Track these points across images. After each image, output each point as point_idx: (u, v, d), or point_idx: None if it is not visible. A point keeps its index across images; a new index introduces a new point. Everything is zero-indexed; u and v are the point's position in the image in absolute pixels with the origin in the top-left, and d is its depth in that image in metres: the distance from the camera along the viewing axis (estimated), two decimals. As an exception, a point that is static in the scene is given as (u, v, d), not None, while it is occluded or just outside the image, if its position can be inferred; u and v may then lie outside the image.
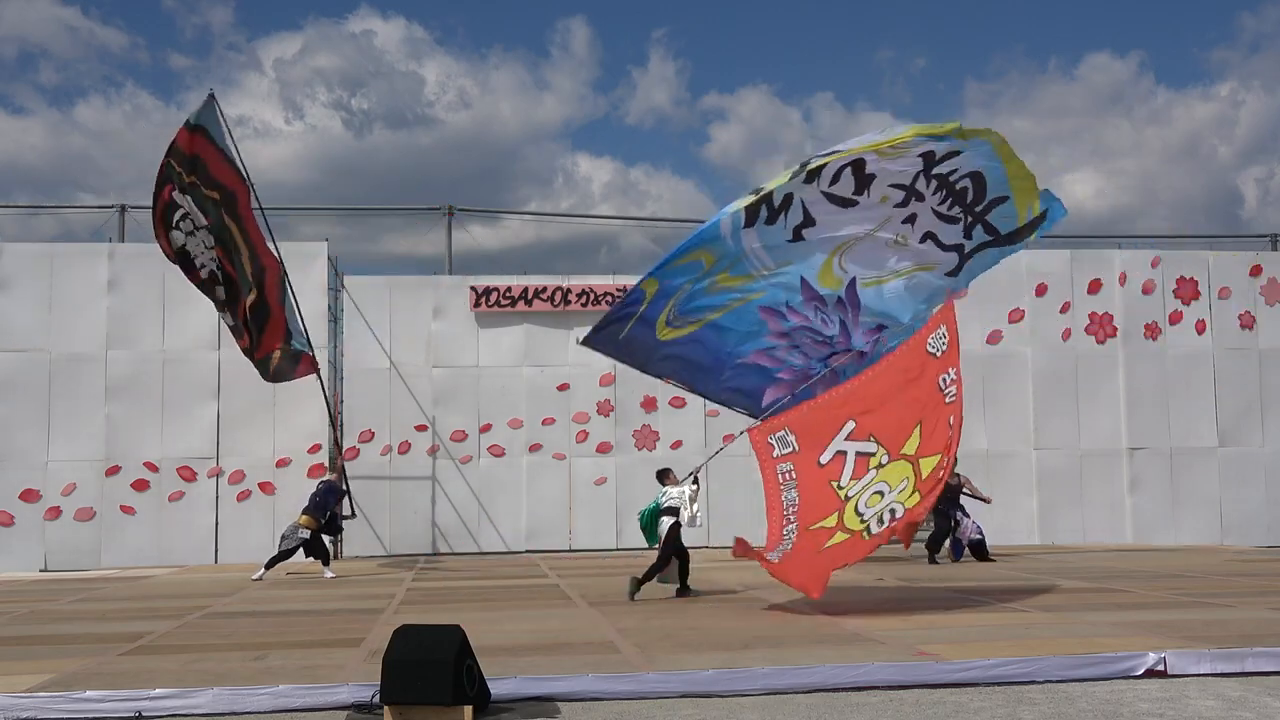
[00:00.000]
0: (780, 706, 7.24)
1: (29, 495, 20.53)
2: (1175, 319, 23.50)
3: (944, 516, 18.13)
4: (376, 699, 7.00)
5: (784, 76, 77.62)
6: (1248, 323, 23.65)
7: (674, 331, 14.61)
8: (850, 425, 12.70)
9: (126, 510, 20.73)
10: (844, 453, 12.61)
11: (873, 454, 12.39)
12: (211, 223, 17.09)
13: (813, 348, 15.17)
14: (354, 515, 18.76)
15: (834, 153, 13.63)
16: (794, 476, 12.69)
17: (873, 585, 14.43)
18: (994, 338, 23.05)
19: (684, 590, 13.33)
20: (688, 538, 13.96)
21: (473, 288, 22.39)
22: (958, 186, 13.82)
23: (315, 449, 21.29)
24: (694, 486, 13.63)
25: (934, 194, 13.88)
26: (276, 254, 18.06)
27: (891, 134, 13.59)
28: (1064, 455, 22.92)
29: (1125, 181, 75.39)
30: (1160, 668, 7.98)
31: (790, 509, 12.56)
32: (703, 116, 78.69)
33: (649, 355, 15.02)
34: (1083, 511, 22.77)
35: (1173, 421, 23.13)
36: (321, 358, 21.29)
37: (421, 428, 21.99)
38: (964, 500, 18.37)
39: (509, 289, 22.40)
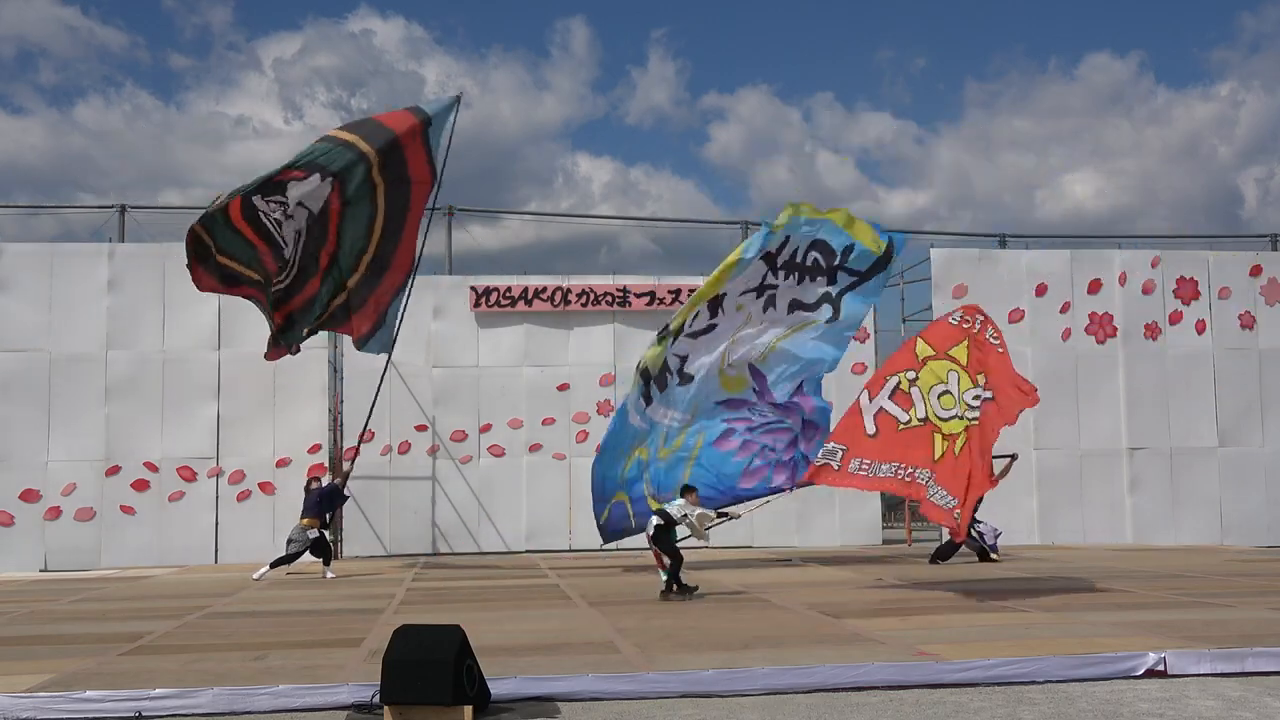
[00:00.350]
0: (780, 706, 7.23)
1: (29, 495, 20.51)
2: (1175, 319, 23.50)
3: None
4: (376, 699, 6.97)
5: (784, 76, 77.64)
6: (1248, 323, 23.64)
7: (655, 504, 15.88)
8: (863, 396, 13.43)
9: (126, 510, 20.72)
10: (880, 409, 13.19)
11: (897, 383, 13.17)
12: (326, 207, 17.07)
13: (776, 431, 17.03)
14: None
15: (681, 311, 16.09)
16: (868, 462, 13.03)
17: (873, 585, 14.36)
18: (994, 338, 22.91)
19: (668, 589, 13.14)
20: (684, 540, 13.81)
21: (473, 288, 22.41)
22: (807, 263, 15.97)
23: (315, 449, 21.27)
24: (719, 520, 14.20)
25: (786, 279, 15.99)
26: (416, 256, 18.17)
27: (722, 263, 15.84)
28: (1064, 455, 22.91)
29: (1125, 181, 75.40)
30: (1160, 668, 7.96)
31: (903, 472, 12.84)
32: (702, 116, 78.71)
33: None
34: (1083, 511, 22.75)
35: (1173, 422, 23.11)
36: (322, 357, 21.52)
37: (421, 428, 21.98)
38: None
39: (509, 289, 22.41)
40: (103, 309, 21.14)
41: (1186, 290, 23.58)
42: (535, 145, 76.53)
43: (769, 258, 15.88)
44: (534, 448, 22.22)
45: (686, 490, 13.82)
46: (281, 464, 21.10)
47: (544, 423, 22.24)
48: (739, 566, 17.70)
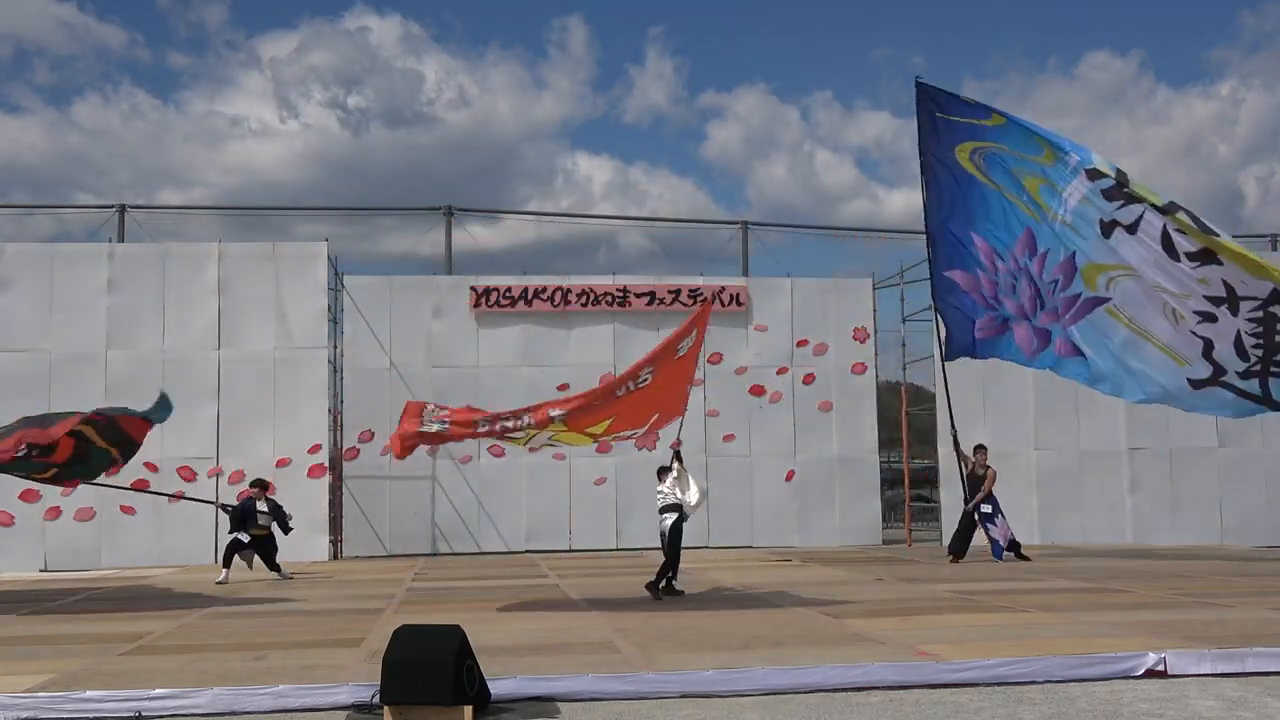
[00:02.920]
0: (780, 706, 7.21)
1: (29, 495, 20.39)
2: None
3: (968, 516, 18.17)
4: (376, 699, 6.96)
5: (782, 75, 77.63)
6: None
7: (968, 163, 15.13)
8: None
9: (126, 510, 20.65)
10: None
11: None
12: None
13: (1025, 289, 15.54)
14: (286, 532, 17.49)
15: (1208, 233, 14.10)
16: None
17: (873, 584, 14.35)
18: (994, 338, 22.86)
19: (653, 587, 13.11)
20: (685, 539, 13.71)
21: (472, 288, 22.44)
22: (1277, 338, 14.14)
23: (315, 449, 21.22)
24: (675, 469, 13.32)
25: (1251, 322, 14.20)
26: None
27: (1258, 259, 14.03)
28: (1064, 455, 22.89)
29: (1125, 181, 75.11)
30: (1160, 668, 7.95)
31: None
32: (700, 115, 78.74)
33: (938, 153, 15.77)
34: (1083, 512, 22.72)
35: (1172, 421, 22.77)
36: (321, 357, 21.49)
37: None
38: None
39: (509, 289, 22.45)
40: (103, 309, 21.12)
41: (1187, 290, 23.35)
42: (533, 144, 76.61)
43: (1274, 295, 14.30)
44: (533, 448, 22.03)
45: (664, 471, 13.54)
46: (282, 464, 21.05)
47: (544, 423, 22.10)
48: (739, 567, 17.66)
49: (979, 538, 18.31)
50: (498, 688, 7.33)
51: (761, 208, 79.46)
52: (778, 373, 23.23)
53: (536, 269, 23.20)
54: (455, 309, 22.41)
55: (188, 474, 20.89)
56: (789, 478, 22.87)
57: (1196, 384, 15.02)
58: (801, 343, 23.31)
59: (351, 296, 22.32)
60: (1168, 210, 14.59)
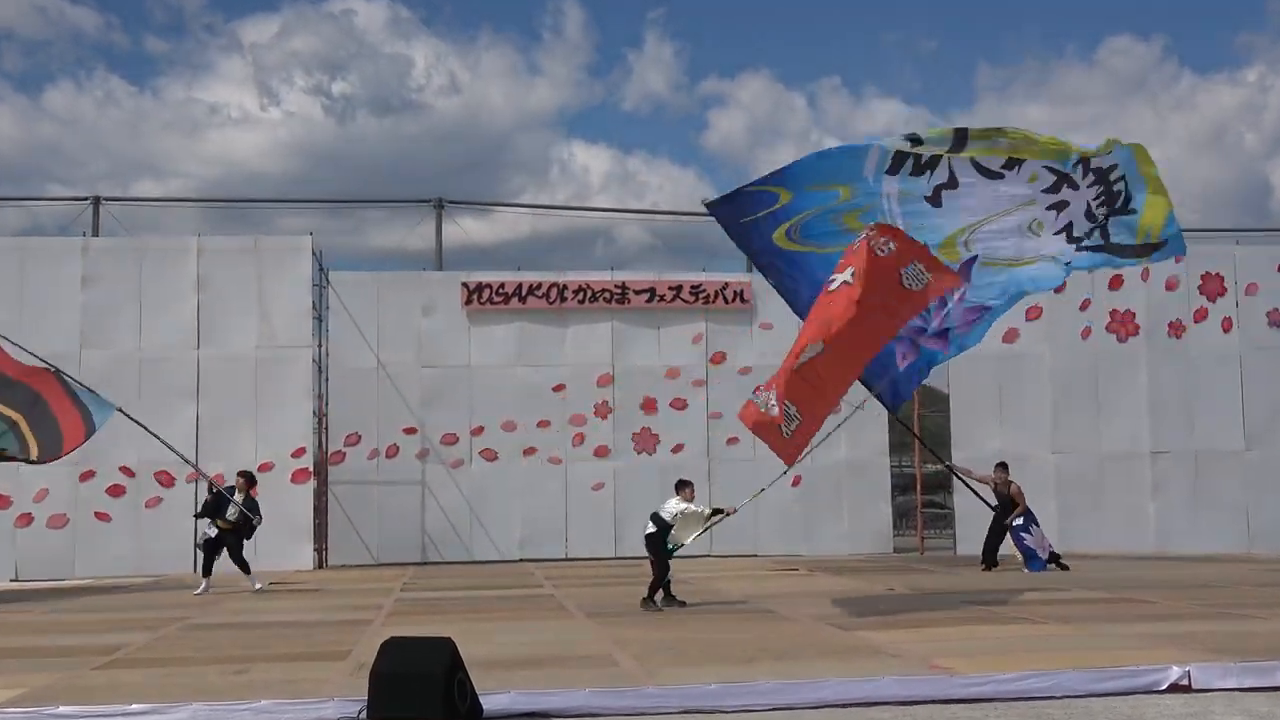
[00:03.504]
0: (786, 723, 7.03)
1: (-1, 501, 20.07)
2: (1200, 316, 22.88)
3: (998, 523, 18.02)
4: (363, 715, 6.90)
5: (787, 60, 76.90)
6: (1276, 320, 23.06)
7: (789, 244, 15.14)
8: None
9: (101, 517, 20.28)
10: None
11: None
12: None
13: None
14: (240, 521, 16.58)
15: (995, 130, 14.23)
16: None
17: (884, 595, 14.18)
18: (1010, 337, 22.50)
19: (648, 602, 12.83)
20: (686, 548, 13.46)
21: (464, 284, 22.12)
22: (1114, 188, 14.25)
23: (300, 453, 20.79)
24: (714, 517, 13.21)
25: (1089, 186, 14.33)
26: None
27: (1054, 139, 14.22)
28: (1083, 459, 22.48)
29: (1147, 172, 74.41)
30: (1185, 682, 7.78)
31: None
32: (702, 102, 78.09)
33: (761, 249, 15.67)
34: (1103, 517, 22.24)
35: (1197, 424, 22.51)
36: (306, 356, 21.11)
37: (410, 430, 21.65)
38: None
39: (502, 285, 22.16)
40: (76, 307, 20.68)
41: (1212, 286, 22.97)
42: (527, 133, 75.98)
43: (1084, 156, 14.30)
44: (528, 451, 21.86)
45: (681, 485, 13.27)
46: (264, 468, 20.47)
47: (539, 425, 21.89)
48: (744, 576, 17.46)
49: (1007, 545, 18.12)
50: (490, 703, 7.21)
51: (766, 202, 78.81)
52: (784, 373, 22.53)
53: (531, 264, 23.32)
54: (446, 306, 22.04)
55: (166, 479, 20.54)
56: (795, 483, 22.45)
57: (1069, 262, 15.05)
58: (809, 341, 22.63)
59: (337, 293, 21.94)
60: (957, 146, 14.51)
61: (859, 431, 22.61)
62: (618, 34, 78.33)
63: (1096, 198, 14.49)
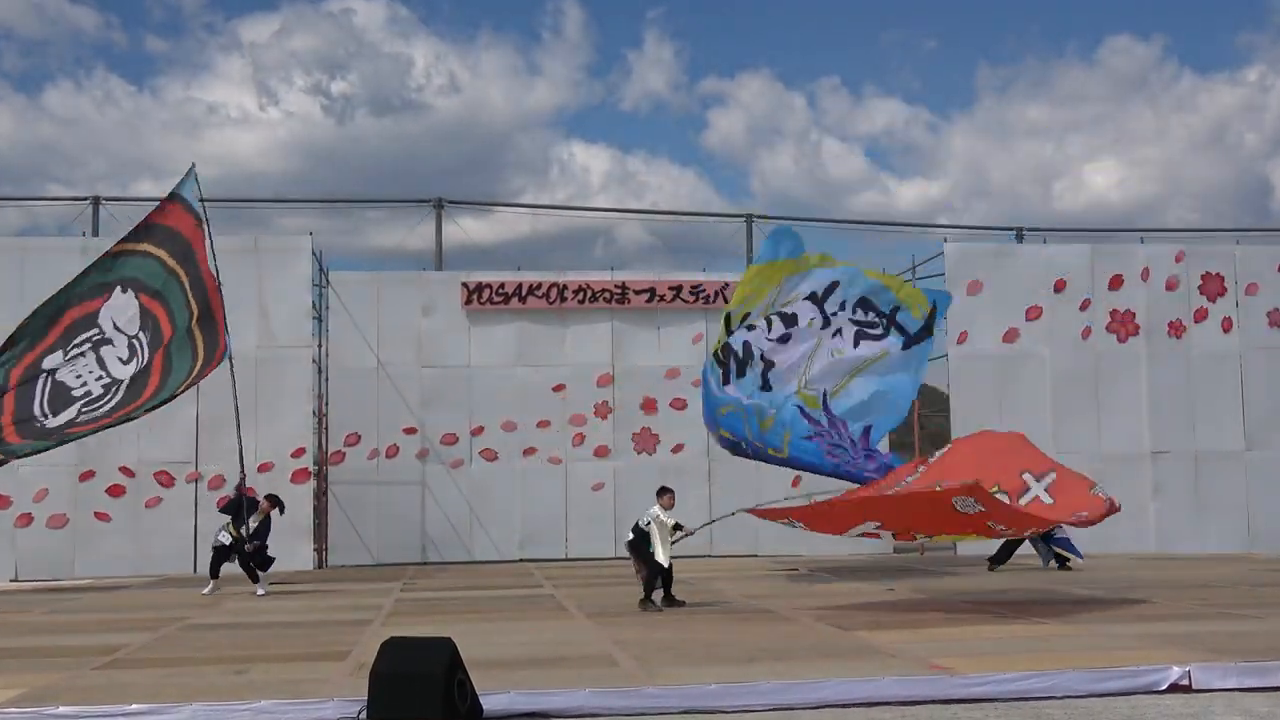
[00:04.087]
0: (786, 724, 7.00)
1: (-1, 501, 20.00)
2: (1200, 316, 22.80)
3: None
4: (363, 715, 6.87)
5: (787, 60, 76.72)
6: (1277, 320, 23.01)
7: (774, 451, 16.78)
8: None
9: (101, 517, 20.22)
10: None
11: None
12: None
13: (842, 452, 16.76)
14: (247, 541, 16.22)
15: (743, 303, 16.76)
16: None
17: (884, 595, 14.12)
18: (1010, 336, 22.47)
19: (646, 602, 12.81)
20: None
21: (464, 284, 22.04)
22: (855, 310, 16.65)
23: (299, 453, 20.74)
24: (680, 532, 13.07)
25: (843, 311, 16.65)
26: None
27: (771, 269, 16.55)
28: (1084, 459, 21.83)
29: (1148, 171, 74.44)
30: (1185, 682, 7.77)
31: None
32: (701, 102, 77.95)
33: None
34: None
35: (1198, 424, 22.44)
36: (305, 356, 21.06)
37: (410, 430, 21.59)
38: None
39: (502, 285, 22.08)
40: (76, 307, 20.48)
41: (1212, 286, 22.89)
42: (527, 133, 75.79)
43: (813, 298, 16.56)
44: (528, 452, 21.81)
45: (661, 492, 13.16)
46: (264, 469, 20.53)
47: (539, 425, 21.84)
48: (744, 576, 17.41)
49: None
50: (490, 703, 7.19)
51: (766, 199, 78.58)
52: (784, 373, 22.49)
53: (531, 264, 23.21)
54: (446, 306, 21.97)
55: (165, 479, 20.49)
56: (795, 484, 22.24)
57: (906, 346, 16.84)
58: (809, 342, 22.58)
59: (337, 293, 21.88)
60: (747, 327, 16.67)
61: (859, 432, 22.63)
62: (617, 33, 78.23)
63: (853, 314, 16.64)
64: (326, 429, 21.35)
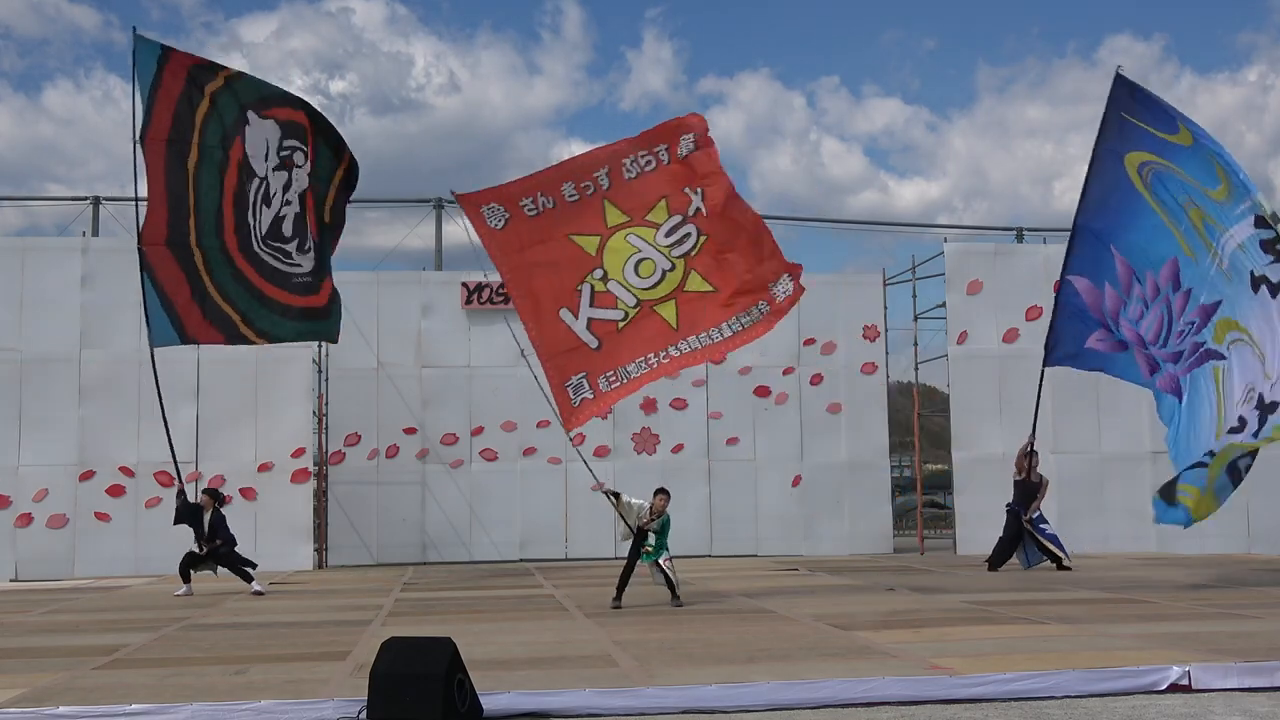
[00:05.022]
0: (786, 724, 6.98)
1: (-1, 501, 19.98)
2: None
3: (1015, 518, 17.72)
4: (363, 715, 6.84)
5: (786, 59, 76.72)
6: None
7: (1133, 171, 14.96)
8: (564, 314, 13.75)
9: (101, 517, 20.20)
10: (589, 320, 13.51)
11: (590, 289, 13.30)
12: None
13: (1153, 323, 15.19)
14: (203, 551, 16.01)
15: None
16: (613, 373, 13.54)
17: (884, 595, 14.03)
18: (1010, 336, 22.47)
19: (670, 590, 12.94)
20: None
21: (464, 284, 22.01)
22: None
23: (299, 453, 20.76)
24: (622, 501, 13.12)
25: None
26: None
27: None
28: (1084, 459, 22.35)
29: (1146, 173, 74.27)
30: (1185, 682, 7.73)
31: (653, 359, 13.41)
32: (701, 101, 77.99)
33: (1109, 149, 15.48)
34: (1104, 518, 22.14)
35: None
36: (305, 356, 21.05)
37: (410, 431, 21.56)
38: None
39: (501, 285, 21.72)
40: (76, 307, 20.59)
41: (1212, 286, 22.74)
42: (527, 133, 75.90)
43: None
44: (528, 451, 21.78)
45: (657, 493, 13.10)
46: (264, 469, 20.65)
47: (539, 425, 21.59)
48: (743, 576, 17.32)
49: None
50: (490, 703, 7.16)
51: (766, 199, 78.81)
52: (784, 373, 22.63)
53: None
54: (445, 306, 21.96)
55: (165, 479, 20.30)
56: (795, 483, 22.48)
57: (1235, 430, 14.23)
58: (808, 341, 22.72)
59: (337, 293, 21.52)
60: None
61: (859, 431, 22.66)
62: (616, 33, 78.34)
63: None
64: (326, 429, 21.31)
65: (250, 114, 15.26)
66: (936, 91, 79.24)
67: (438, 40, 75.79)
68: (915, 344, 24.09)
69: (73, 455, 20.23)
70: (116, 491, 20.22)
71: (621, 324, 12.97)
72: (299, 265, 16.30)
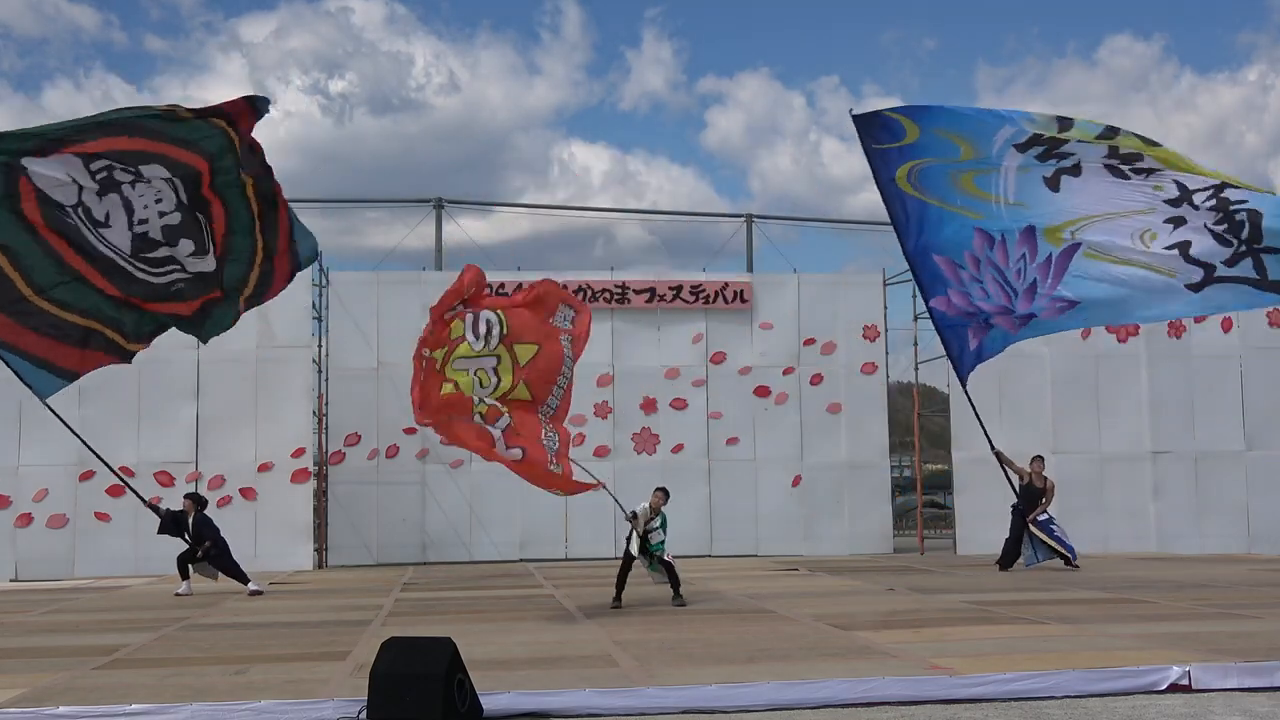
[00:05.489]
0: (786, 724, 6.96)
1: (-1, 501, 19.94)
2: (1200, 316, 22.64)
3: (1019, 518, 17.74)
4: (363, 715, 6.84)
5: (785, 59, 76.61)
6: (1276, 320, 23.04)
7: (908, 186, 15.53)
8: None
9: (101, 517, 20.16)
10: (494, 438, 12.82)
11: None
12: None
13: (993, 289, 15.73)
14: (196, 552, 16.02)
15: (1151, 145, 14.82)
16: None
17: (884, 595, 14.03)
18: (1010, 336, 22.29)
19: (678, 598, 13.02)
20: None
21: None
22: (1236, 217, 14.38)
23: (299, 453, 20.74)
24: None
25: (1210, 211, 14.51)
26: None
27: (1201, 166, 14.62)
28: (1084, 460, 22.34)
29: (1146, 173, 74.16)
30: (1185, 682, 7.72)
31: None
32: (701, 101, 77.90)
33: (885, 180, 16.21)
34: (1104, 519, 22.15)
35: (1198, 424, 22.47)
36: (305, 356, 21.02)
37: (410, 431, 21.26)
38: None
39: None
40: (76, 306, 20.45)
41: (1213, 286, 22.78)
42: (526, 133, 75.84)
43: (1217, 188, 14.50)
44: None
45: (655, 491, 13.24)
46: (264, 469, 20.62)
47: (539, 425, 21.53)
48: (744, 576, 17.31)
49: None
50: (490, 703, 7.16)
51: (765, 199, 78.61)
52: (784, 373, 22.61)
53: (530, 264, 23.07)
54: (446, 306, 21.69)
55: (165, 479, 20.41)
56: (795, 483, 22.44)
57: (1194, 287, 14.91)
58: (808, 341, 22.71)
59: (337, 293, 21.80)
60: (1106, 136, 14.91)
61: (859, 431, 22.64)
62: (616, 33, 78.23)
63: (1217, 222, 14.44)
64: (326, 429, 21.28)
65: (25, 161, 13.77)
66: (936, 91, 79.26)
67: (437, 40, 75.76)
68: (915, 344, 24.06)
69: (72, 455, 19.97)
70: (116, 491, 19.88)
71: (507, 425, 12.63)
72: (183, 272, 14.94)
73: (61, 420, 15.87)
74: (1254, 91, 67.79)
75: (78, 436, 16.02)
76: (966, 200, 15.54)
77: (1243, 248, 14.38)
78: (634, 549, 12.91)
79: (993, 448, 17.85)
